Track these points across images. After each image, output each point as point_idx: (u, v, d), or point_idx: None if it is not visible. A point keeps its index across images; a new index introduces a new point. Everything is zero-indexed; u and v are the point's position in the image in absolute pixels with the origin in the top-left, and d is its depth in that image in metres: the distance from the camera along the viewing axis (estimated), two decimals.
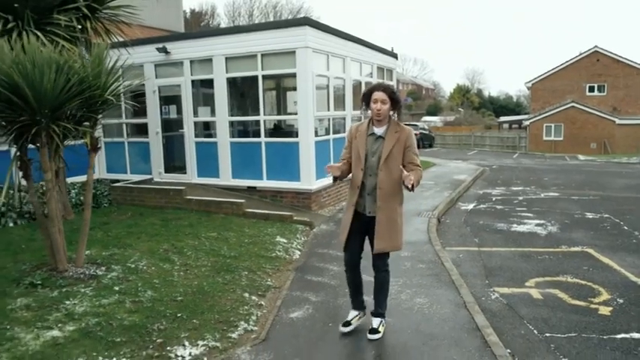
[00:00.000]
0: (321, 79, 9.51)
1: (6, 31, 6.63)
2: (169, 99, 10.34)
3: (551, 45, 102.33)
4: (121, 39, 8.45)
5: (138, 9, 8.25)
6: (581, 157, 28.75)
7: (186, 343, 3.84)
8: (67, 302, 4.54)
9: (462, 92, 64.51)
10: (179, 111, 10.13)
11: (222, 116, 9.54)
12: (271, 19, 36.49)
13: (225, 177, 9.60)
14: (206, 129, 10.21)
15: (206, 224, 7.61)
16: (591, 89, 35.74)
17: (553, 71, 37.01)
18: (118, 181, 10.23)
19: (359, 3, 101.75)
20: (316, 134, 9.19)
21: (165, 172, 10.37)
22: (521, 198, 11.53)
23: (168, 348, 3.77)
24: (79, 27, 7.56)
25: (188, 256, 6.01)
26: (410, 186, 3.61)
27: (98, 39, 7.93)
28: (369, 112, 3.86)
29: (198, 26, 33.97)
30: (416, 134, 25.21)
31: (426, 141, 32.72)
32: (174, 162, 10.48)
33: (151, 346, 3.79)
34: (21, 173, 5.44)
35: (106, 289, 4.89)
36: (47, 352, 3.69)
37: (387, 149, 3.75)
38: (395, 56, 14.54)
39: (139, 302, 4.59)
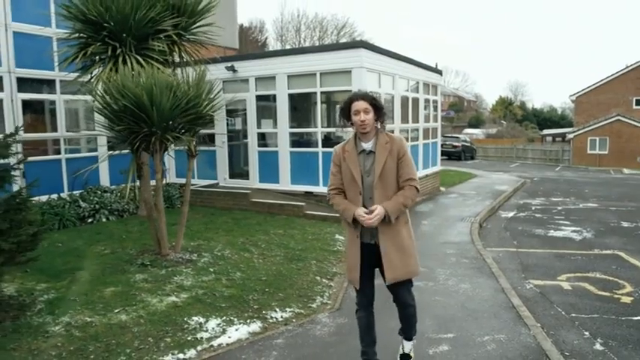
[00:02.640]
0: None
1: (114, 56, 7.95)
2: (233, 112, 11.55)
3: (597, 57, 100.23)
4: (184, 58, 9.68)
5: (215, 34, 9.47)
6: (626, 170, 28.59)
7: (277, 309, 4.86)
8: (176, 278, 5.66)
9: (504, 104, 64.21)
10: (244, 123, 11.31)
11: (283, 128, 10.65)
12: (317, 34, 37.87)
13: (285, 182, 10.68)
14: (261, 139, 11.33)
15: (272, 223, 8.68)
16: (638, 102, 35.35)
17: (598, 84, 36.80)
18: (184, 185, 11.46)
19: (402, 17, 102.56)
20: None
21: (230, 177, 11.56)
22: (560, 208, 12.14)
23: (263, 312, 4.80)
24: (168, 50, 8.83)
25: (263, 247, 7.07)
26: (366, 222, 3.16)
27: (182, 59, 9.19)
28: (349, 127, 3.41)
29: (247, 41, 35.52)
30: (457, 146, 25.72)
31: (467, 153, 33.13)
32: (238, 168, 11.65)
33: (250, 310, 4.83)
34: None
35: (202, 270, 5.99)
36: (171, 311, 4.78)
37: (379, 164, 3.26)
38: (439, 72, 15.41)
39: (232, 280, 5.66)
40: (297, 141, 10.98)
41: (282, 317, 4.70)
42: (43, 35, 9.42)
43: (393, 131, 11.54)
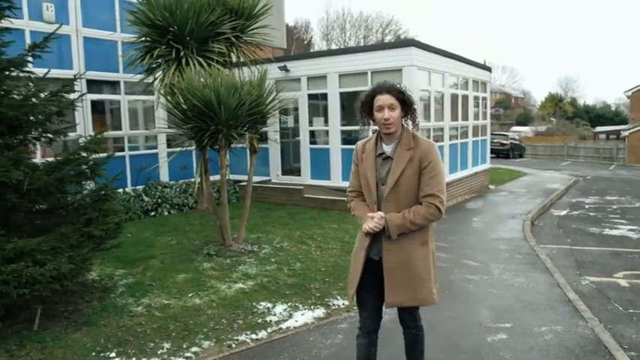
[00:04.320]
0: (423, 92, 10.62)
1: (178, 58, 8.43)
2: (285, 110, 11.90)
3: None
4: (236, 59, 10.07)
5: (270, 35, 9.84)
6: None
7: (339, 297, 5.13)
8: (240, 267, 6.02)
9: (554, 101, 62.38)
10: (295, 121, 11.66)
11: (335, 126, 10.91)
12: (362, 33, 37.98)
13: (336, 179, 10.94)
14: (313, 137, 11.63)
15: (325, 218, 8.97)
16: None
17: None
18: (239, 181, 11.91)
19: (447, 12, 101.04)
20: None
21: (282, 174, 11.93)
22: (615, 207, 11.89)
23: (325, 299, 5.08)
24: (226, 52, 9.25)
25: (319, 240, 7.37)
26: (363, 226, 2.75)
27: (239, 59, 9.60)
28: (371, 126, 2.89)
29: (293, 40, 36.01)
30: (505, 144, 25.19)
31: (516, 151, 32.49)
32: (289, 165, 12.01)
33: (312, 298, 5.12)
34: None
35: (264, 260, 6.33)
36: (240, 296, 5.13)
37: (394, 174, 2.73)
38: (488, 69, 15.31)
39: (293, 270, 5.97)
40: (347, 138, 11.22)
41: (343, 305, 4.96)
42: (110, 40, 10.03)
43: (442, 129, 11.70)
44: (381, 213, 2.74)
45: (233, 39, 9.09)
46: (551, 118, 57.57)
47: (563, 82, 73.44)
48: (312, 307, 4.90)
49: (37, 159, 7.17)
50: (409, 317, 3.06)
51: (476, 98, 13.82)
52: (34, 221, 4.59)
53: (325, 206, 9.84)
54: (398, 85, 2.77)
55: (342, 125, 11.06)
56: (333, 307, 4.89)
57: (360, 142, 2.98)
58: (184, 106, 6.24)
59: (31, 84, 4.63)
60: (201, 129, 6.24)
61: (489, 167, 15.10)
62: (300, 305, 4.93)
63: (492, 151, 19.25)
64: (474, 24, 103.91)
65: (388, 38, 35.76)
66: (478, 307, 4.97)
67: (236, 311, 4.75)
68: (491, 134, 17.42)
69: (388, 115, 2.70)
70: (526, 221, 9.33)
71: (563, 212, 11.05)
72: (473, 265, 6.40)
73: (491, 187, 14.57)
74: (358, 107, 2.91)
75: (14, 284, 3.81)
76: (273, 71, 11.47)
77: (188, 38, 8.44)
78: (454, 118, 12.20)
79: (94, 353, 3.92)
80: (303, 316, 4.67)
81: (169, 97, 6.82)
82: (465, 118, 12.98)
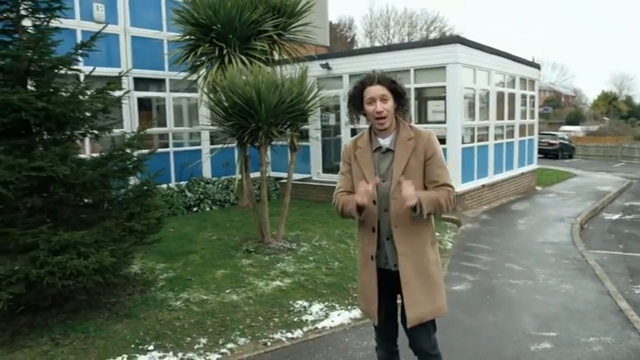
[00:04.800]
0: (467, 90, 10.35)
1: (221, 56, 8.53)
2: (327, 108, 11.85)
3: None
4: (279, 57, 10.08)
5: (312, 32, 9.82)
6: None
7: None
8: (278, 265, 6.02)
9: (607, 99, 59.75)
10: (337, 119, 11.60)
11: None
12: (406, 30, 37.51)
13: None
14: (354, 135, 11.51)
15: None
16: None
17: None
18: (280, 178, 11.95)
19: (496, 9, 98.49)
20: (462, 141, 10.03)
21: (323, 172, 11.90)
22: None
23: None
24: (268, 50, 9.29)
25: (358, 240, 7.28)
26: (413, 205, 2.37)
27: (281, 57, 9.63)
28: (358, 119, 2.68)
29: (336, 38, 35.95)
30: (554, 144, 24.19)
31: (565, 151, 31.29)
32: (330, 163, 11.97)
33: (350, 298, 5.06)
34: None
35: (302, 258, 6.31)
36: (276, 294, 5.12)
37: (399, 166, 2.50)
38: (537, 67, 14.79)
39: (331, 269, 5.92)
40: None
41: None
42: (156, 39, 10.27)
43: (487, 128, 11.36)
44: (409, 182, 2.38)
45: (275, 37, 9.12)
46: (604, 118, 55.20)
47: (617, 80, 70.22)
48: (349, 307, 4.84)
49: (86, 154, 7.42)
50: (425, 336, 2.63)
51: (523, 96, 13.37)
52: (80, 215, 4.72)
53: None
54: (389, 75, 2.55)
55: None
56: None
57: (351, 139, 2.75)
58: (226, 104, 6.29)
59: (79, 81, 4.77)
60: (241, 126, 6.28)
61: (536, 168, 14.59)
62: (337, 305, 4.88)
63: (540, 151, 18.62)
64: (523, 20, 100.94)
65: (433, 35, 35.18)
66: (521, 313, 4.78)
67: (272, 309, 4.74)
68: (540, 134, 16.83)
69: (381, 107, 2.47)
70: (575, 225, 8.95)
71: (616, 216, 10.54)
72: (517, 270, 6.18)
73: (538, 188, 14.07)
74: (347, 99, 2.66)
75: (59, 275, 3.93)
76: (315, 69, 11.44)
77: (231, 36, 8.52)
78: (500, 116, 11.84)
79: (132, 345, 4.00)
80: (340, 317, 4.62)
81: (212, 95, 6.90)
82: (512, 116, 12.57)
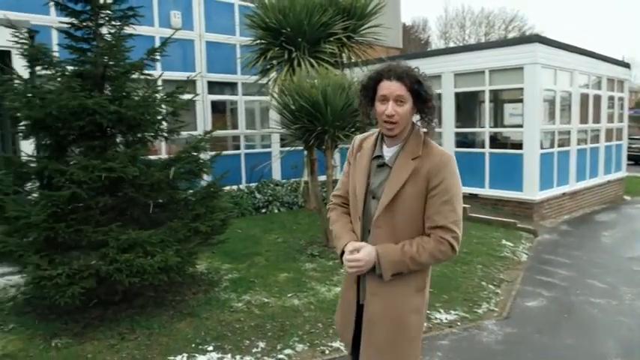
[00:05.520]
0: (547, 92, 9.75)
1: (290, 59, 8.58)
2: None
3: None
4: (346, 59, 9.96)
5: (382, 34, 9.66)
6: None
7: (442, 311, 4.82)
8: (342, 270, 5.91)
9: None
10: None
11: (449, 128, 10.43)
12: (483, 30, 36.24)
13: None
14: None
15: None
16: None
17: None
18: None
19: (582, 6, 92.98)
20: (541, 147, 9.46)
21: None
22: None
23: (427, 312, 4.78)
24: (338, 52, 9.25)
25: None
26: (353, 268, 2.02)
27: (350, 59, 9.56)
28: (368, 115, 2.16)
29: (410, 40, 35.39)
30: None
31: None
32: None
33: None
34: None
35: None
36: (338, 301, 5.01)
37: (390, 189, 2.01)
38: (627, 66, 13.70)
39: None
40: (462, 141, 10.67)
41: (446, 319, 4.65)
42: (229, 43, 10.54)
43: (569, 132, 10.63)
44: (365, 245, 2.00)
45: (344, 39, 9.07)
46: None
47: None
48: None
49: (163, 156, 7.73)
50: None
51: (610, 98, 12.43)
52: (149, 215, 4.87)
53: None
54: (415, 71, 2.01)
55: (457, 127, 10.54)
56: (435, 321, 4.60)
57: (358, 137, 2.28)
58: (293, 107, 6.30)
59: (151, 85, 4.93)
60: (308, 129, 6.26)
61: (625, 175, 13.49)
62: None
63: (630, 157, 17.23)
64: (613, 15, 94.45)
65: (511, 35, 33.71)
66: (603, 336, 4.36)
67: (333, 316, 4.64)
68: (629, 138, 15.56)
69: (392, 110, 1.97)
70: None
71: None
72: (599, 287, 5.68)
73: (626, 197, 13.02)
74: (359, 90, 2.15)
75: (126, 273, 4.06)
76: None
77: (300, 40, 8.56)
78: (583, 120, 11.06)
79: (193, 345, 4.05)
80: None
81: (280, 98, 6.94)
82: (597, 120, 11.71)
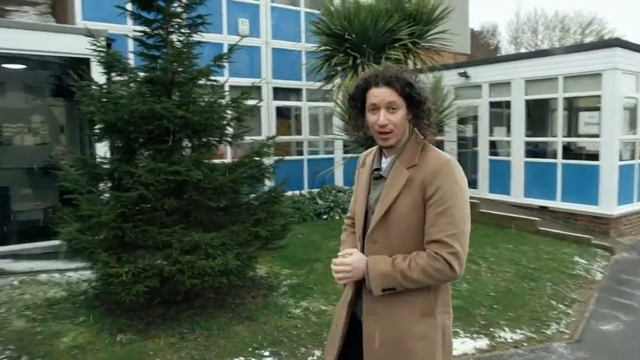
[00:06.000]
0: (627, 100, 9.12)
1: (354, 65, 8.54)
2: (463, 119, 11.29)
3: None
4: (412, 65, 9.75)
5: (450, 40, 9.41)
6: None
7: (506, 329, 4.58)
8: None
9: None
10: (474, 130, 10.99)
11: (518, 136, 10.00)
12: (557, 35, 34.61)
13: (517, 194, 10.00)
14: (492, 147, 10.79)
15: (501, 236, 8.23)
16: None
17: None
18: None
19: None
20: (620, 158, 8.85)
21: None
22: None
23: (491, 329, 4.57)
24: (403, 58, 9.10)
25: (491, 261, 6.75)
26: (340, 274, 1.90)
27: (415, 66, 9.39)
28: (359, 127, 2.06)
29: (478, 45, 34.44)
30: None
31: None
32: (466, 177, 11.34)
33: (476, 325, 4.65)
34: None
35: None
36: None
37: (385, 200, 1.87)
38: None
39: (457, 290, 5.53)
40: (533, 150, 10.18)
41: (511, 338, 4.41)
42: (294, 50, 10.66)
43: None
44: (354, 251, 1.88)
45: (410, 45, 8.90)
46: None
47: None
48: (475, 335, 4.44)
49: (227, 159, 7.92)
50: None
51: None
52: (212, 217, 4.97)
53: (502, 223, 9.04)
54: (405, 73, 1.86)
55: (527, 136, 10.08)
56: (499, 340, 4.37)
57: (364, 152, 2.15)
58: None
59: (216, 91, 5.05)
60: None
61: None
62: (462, 332, 4.51)
63: None
64: None
65: (589, 40, 31.99)
66: None
67: None
68: None
69: (384, 120, 1.82)
70: None
71: None
72: None
73: None
74: (346, 99, 2.00)
75: (188, 274, 4.16)
76: (452, 78, 10.98)
77: (365, 46, 8.49)
78: None
79: (250, 349, 4.07)
80: (463, 345, 4.25)
81: (343, 104, 6.91)
82: None
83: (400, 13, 8.79)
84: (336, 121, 9.81)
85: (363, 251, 1.93)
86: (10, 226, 7.80)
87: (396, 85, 1.82)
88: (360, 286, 1.95)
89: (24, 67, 8.30)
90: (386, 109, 1.83)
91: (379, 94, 1.83)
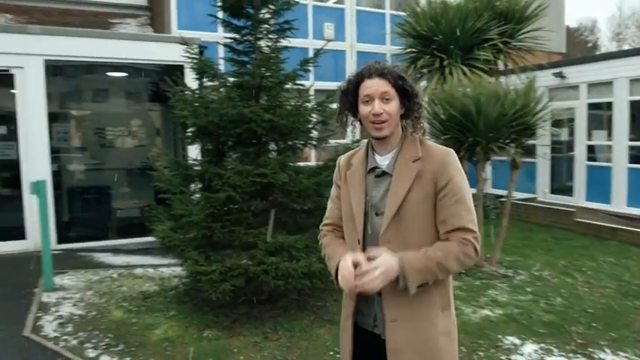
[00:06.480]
0: None
1: (441, 67, 8.33)
2: (558, 121, 10.60)
3: None
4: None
5: (544, 38, 8.91)
6: None
7: (607, 350, 4.20)
8: (490, 291, 5.52)
9: None
10: (570, 133, 10.30)
11: (621, 140, 9.24)
12: None
13: (618, 203, 9.24)
14: (590, 152, 10.05)
15: (600, 248, 7.63)
16: None
17: None
18: (501, 196, 11.10)
19: None
20: None
21: (550, 192, 10.69)
22: None
23: (589, 349, 4.22)
24: (492, 59, 8.73)
25: (588, 275, 6.27)
26: (360, 282, 1.73)
27: (506, 66, 8.98)
28: (346, 124, 1.99)
29: (574, 43, 32.40)
30: None
31: None
32: (559, 183, 10.70)
33: (572, 344, 4.32)
34: None
35: (518, 288, 5.68)
36: (485, 324, 4.67)
37: (395, 197, 1.81)
38: None
39: (551, 305, 5.18)
40: (637, 156, 9.37)
41: None
42: (379, 52, 10.58)
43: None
44: (384, 252, 1.72)
45: (500, 45, 8.53)
46: None
47: None
48: (571, 354, 4.12)
49: (312, 162, 8.01)
50: None
51: None
52: (296, 220, 5.03)
53: (601, 234, 8.38)
54: (396, 67, 1.86)
55: (631, 140, 9.30)
56: None
57: (343, 156, 2.06)
58: (442, 117, 6.06)
59: (302, 95, 5.10)
60: (458, 140, 5.97)
61: None
62: (556, 349, 4.20)
63: None
64: None
65: None
66: None
67: (478, 341, 4.32)
68: None
69: (379, 108, 1.79)
70: None
71: None
72: None
73: None
74: (338, 96, 1.95)
75: (272, 275, 4.23)
76: (546, 78, 10.37)
77: (452, 47, 8.26)
78: None
79: (331, 352, 4.05)
80: None
81: (429, 107, 6.74)
82: None
83: (490, 12, 8.47)
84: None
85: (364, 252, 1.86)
86: (111, 222, 8.41)
87: (388, 76, 1.81)
88: (367, 299, 1.90)
89: (125, 74, 8.93)
90: (380, 99, 1.80)
91: (373, 84, 1.81)
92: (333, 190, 2.09)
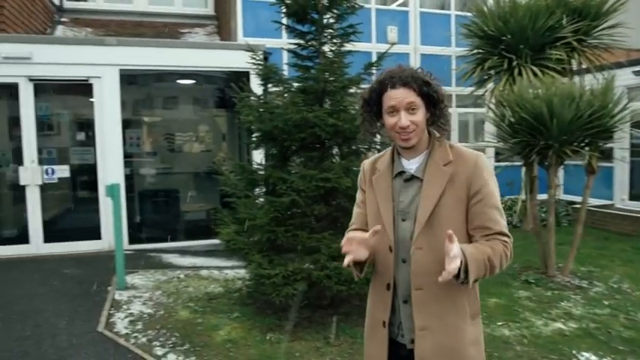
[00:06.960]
0: None
1: (510, 68, 8.01)
2: (638, 122, 9.92)
3: None
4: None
5: (623, 34, 8.37)
6: None
7: None
8: (563, 303, 5.23)
9: None
10: None
11: None
12: None
13: None
14: None
15: None
16: None
17: None
18: (573, 202, 10.53)
19: None
20: None
21: (630, 199, 10.01)
22: None
23: None
24: (565, 58, 8.29)
25: None
26: (454, 275, 1.58)
27: (580, 65, 8.51)
28: (374, 133, 1.95)
29: None
30: None
31: None
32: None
33: None
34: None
35: (594, 300, 5.34)
36: (557, 338, 4.42)
37: (428, 202, 1.75)
38: None
39: (632, 320, 4.83)
40: None
41: None
42: (443, 55, 10.35)
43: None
44: (456, 243, 1.58)
45: (574, 43, 8.09)
46: None
47: None
48: None
49: None
50: None
51: None
52: None
53: None
54: (420, 72, 1.75)
55: None
56: None
57: (367, 160, 2.01)
58: (511, 119, 5.82)
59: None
60: (528, 144, 5.71)
61: None
62: None
63: None
64: None
65: None
66: None
67: (550, 355, 4.09)
68: None
69: (406, 121, 1.70)
70: None
71: None
72: None
73: None
74: (360, 104, 1.87)
75: (335, 280, 4.21)
76: (625, 77, 9.77)
77: (522, 46, 7.91)
78: None
79: None
80: None
81: (497, 110, 6.51)
82: None
83: (563, 8, 8.04)
84: (488, 128, 9.30)
85: (396, 261, 1.81)
86: (179, 224, 8.71)
87: (413, 85, 1.72)
88: (395, 300, 1.84)
89: (193, 82, 9.25)
90: (406, 111, 1.73)
91: (397, 95, 1.72)
92: (359, 195, 2.05)
